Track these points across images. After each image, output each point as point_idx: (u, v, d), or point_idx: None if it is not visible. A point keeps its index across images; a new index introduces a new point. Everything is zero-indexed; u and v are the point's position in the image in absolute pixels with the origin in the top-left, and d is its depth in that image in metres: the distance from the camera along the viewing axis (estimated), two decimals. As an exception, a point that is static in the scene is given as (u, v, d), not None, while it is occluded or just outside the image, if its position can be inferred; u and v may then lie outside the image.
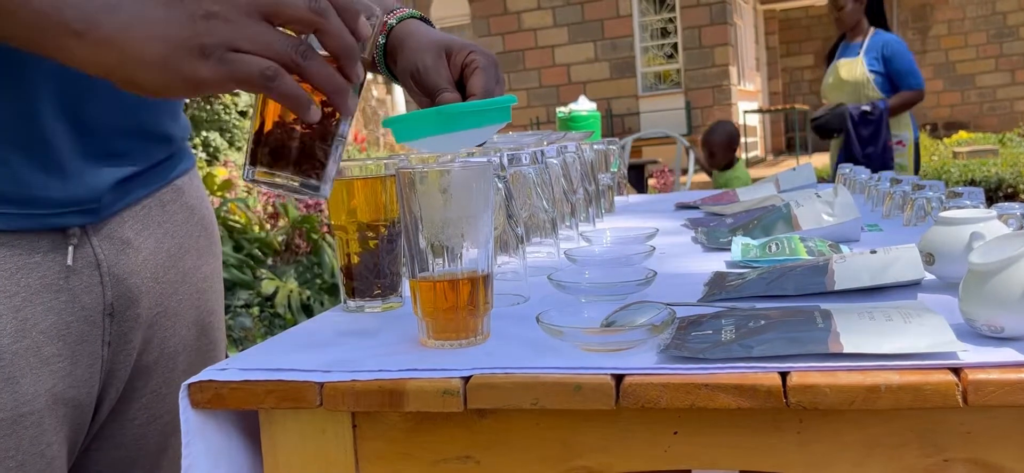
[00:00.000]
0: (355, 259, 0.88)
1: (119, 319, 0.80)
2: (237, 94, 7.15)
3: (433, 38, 0.86)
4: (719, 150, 4.69)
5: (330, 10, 0.62)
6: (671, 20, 11.17)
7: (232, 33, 0.59)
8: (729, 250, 1.13)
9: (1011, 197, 6.86)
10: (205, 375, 0.69)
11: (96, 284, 0.78)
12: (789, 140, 13.15)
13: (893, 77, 4.05)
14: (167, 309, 0.86)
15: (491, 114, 0.70)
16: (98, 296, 0.78)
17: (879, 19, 4.18)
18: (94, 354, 0.79)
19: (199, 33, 0.58)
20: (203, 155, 6.54)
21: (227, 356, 0.91)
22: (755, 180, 3.61)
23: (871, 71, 4.05)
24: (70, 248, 0.76)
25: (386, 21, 0.89)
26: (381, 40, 0.89)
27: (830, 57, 4.35)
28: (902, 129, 4.09)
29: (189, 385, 0.69)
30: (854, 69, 4.10)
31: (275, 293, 3.58)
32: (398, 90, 8.84)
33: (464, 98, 0.81)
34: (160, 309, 0.85)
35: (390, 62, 0.90)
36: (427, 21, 0.91)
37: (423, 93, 0.84)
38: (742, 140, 10.91)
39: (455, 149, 0.72)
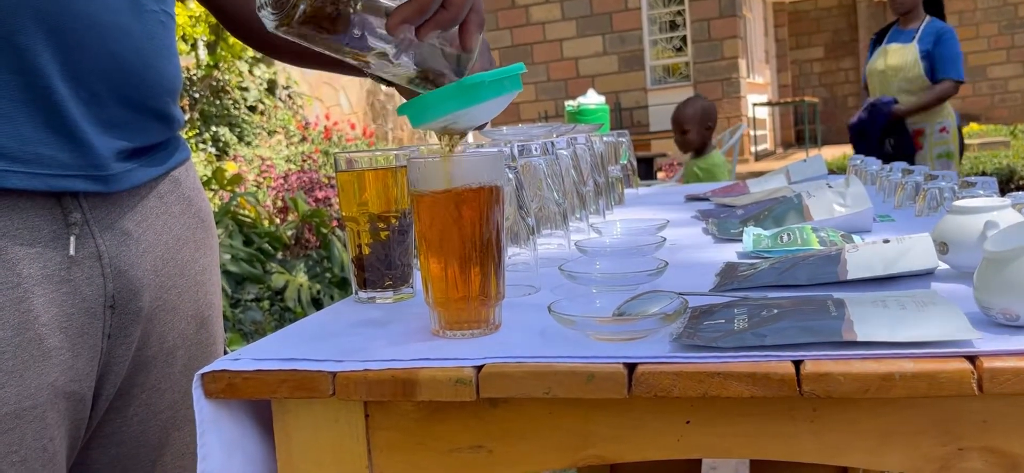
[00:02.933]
0: (366, 250, 0.88)
1: (120, 312, 0.80)
2: (246, 89, 7.16)
3: None
4: (693, 127, 3.89)
5: None
6: (680, 13, 11.13)
7: None
8: (740, 241, 1.12)
9: (1023, 188, 6.82)
10: (218, 365, 0.70)
11: (98, 276, 0.78)
12: (799, 133, 13.10)
13: (935, 60, 4.02)
14: (166, 302, 0.86)
15: (507, 82, 0.70)
16: (99, 288, 0.78)
17: (936, 9, 4.16)
18: (94, 347, 0.78)
19: None
20: (213, 150, 6.55)
21: (226, 350, 0.91)
22: (760, 173, 3.55)
23: (923, 57, 4.03)
24: (72, 238, 0.76)
25: None
26: None
27: (878, 41, 4.31)
28: (945, 116, 4.07)
29: (202, 375, 0.69)
30: (906, 54, 4.07)
31: (285, 287, 3.59)
32: (407, 84, 8.82)
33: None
34: (159, 302, 0.85)
35: None
36: None
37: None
38: (751, 132, 10.90)
39: (474, 123, 0.72)
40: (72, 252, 0.75)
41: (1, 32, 0.70)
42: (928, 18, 4.11)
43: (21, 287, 0.72)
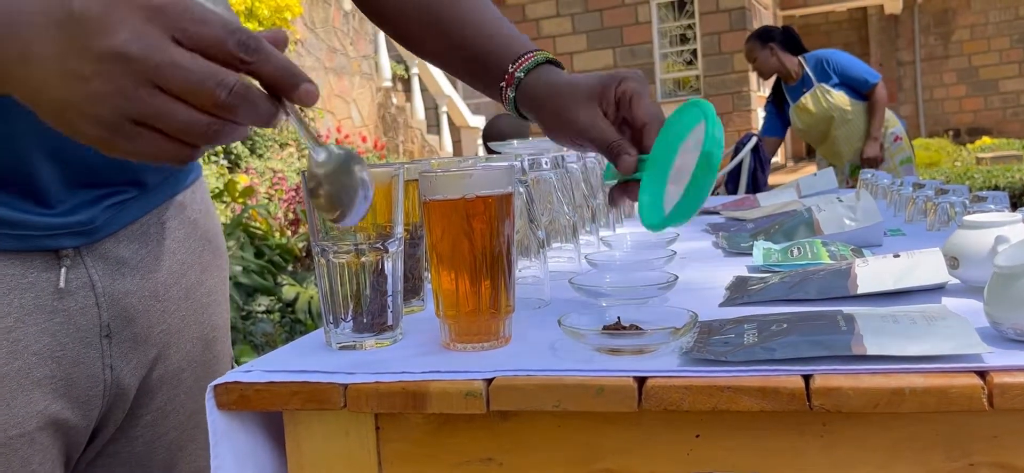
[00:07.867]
0: (377, 263, 0.89)
1: (117, 340, 0.80)
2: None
3: (577, 89, 0.83)
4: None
5: (261, 46, 0.55)
6: (690, 26, 11.14)
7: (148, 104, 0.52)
8: (750, 255, 1.12)
9: (1035, 203, 6.78)
10: (231, 377, 0.70)
11: (91, 305, 0.77)
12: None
13: (851, 83, 4.10)
14: (170, 327, 0.85)
15: (718, 143, 0.72)
16: (94, 317, 0.77)
17: (798, 47, 4.26)
18: (94, 377, 0.78)
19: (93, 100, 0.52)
20: (225, 162, 6.58)
21: (235, 363, 0.91)
22: (773, 186, 3.57)
23: (835, 87, 4.11)
24: (62, 270, 0.75)
25: (513, 73, 0.86)
26: (511, 93, 0.86)
27: (777, 103, 4.42)
28: (894, 125, 4.15)
29: (215, 386, 0.70)
30: (823, 98, 4.13)
31: (296, 299, 3.60)
32: (417, 95, 8.85)
33: (631, 129, 0.81)
34: (163, 327, 0.84)
35: (525, 110, 0.87)
36: (557, 63, 0.88)
37: (591, 149, 0.83)
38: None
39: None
40: (62, 284, 0.75)
41: None
42: (801, 58, 4.20)
43: (11, 317, 0.72)
